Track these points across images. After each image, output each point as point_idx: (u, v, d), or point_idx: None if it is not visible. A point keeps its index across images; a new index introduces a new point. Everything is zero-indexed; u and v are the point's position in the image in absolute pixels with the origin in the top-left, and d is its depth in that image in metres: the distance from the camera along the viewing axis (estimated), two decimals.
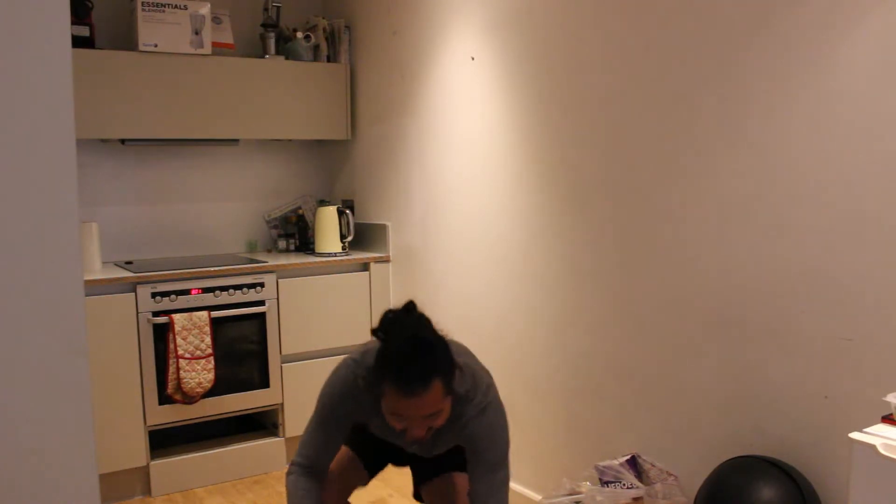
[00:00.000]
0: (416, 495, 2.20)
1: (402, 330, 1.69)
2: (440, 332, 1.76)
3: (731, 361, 2.14)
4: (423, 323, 1.74)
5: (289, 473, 1.92)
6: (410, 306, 1.76)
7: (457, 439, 1.89)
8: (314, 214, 3.87)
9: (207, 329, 3.25)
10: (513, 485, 2.96)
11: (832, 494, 1.89)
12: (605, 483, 2.28)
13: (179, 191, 3.81)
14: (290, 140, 4.00)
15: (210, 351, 3.26)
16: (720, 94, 2.11)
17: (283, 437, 3.53)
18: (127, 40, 3.47)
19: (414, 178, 3.49)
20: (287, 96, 3.70)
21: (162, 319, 3.19)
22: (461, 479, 2.07)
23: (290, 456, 3.55)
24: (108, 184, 3.62)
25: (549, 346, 2.77)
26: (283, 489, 3.31)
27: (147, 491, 3.26)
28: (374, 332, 1.71)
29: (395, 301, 3.73)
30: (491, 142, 2.98)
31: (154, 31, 3.36)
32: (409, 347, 1.65)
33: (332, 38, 3.89)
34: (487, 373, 1.97)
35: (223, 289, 3.34)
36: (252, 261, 3.53)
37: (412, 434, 1.71)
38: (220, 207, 3.92)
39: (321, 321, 3.58)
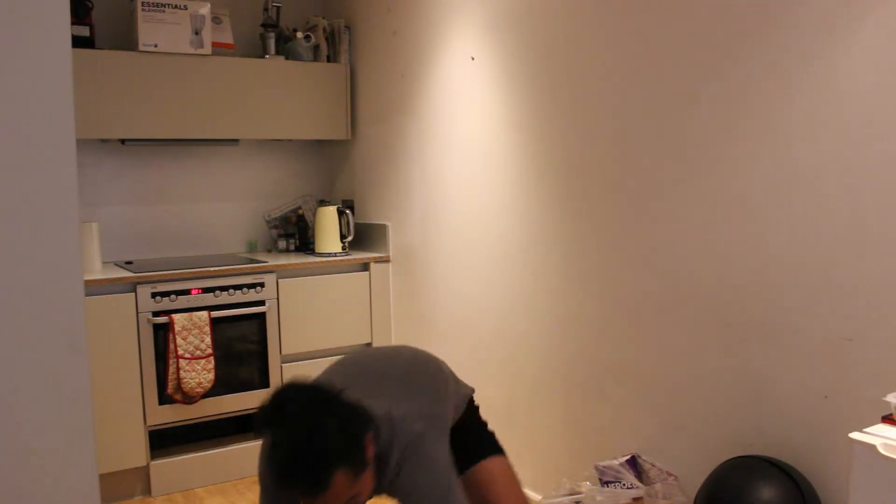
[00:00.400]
0: None
1: (282, 433, 1.49)
2: (333, 394, 1.55)
3: (731, 361, 2.13)
4: (304, 413, 1.50)
5: None
6: (284, 396, 1.53)
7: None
8: (314, 214, 3.87)
9: (207, 329, 3.25)
10: None
11: (832, 494, 1.88)
12: (605, 483, 2.28)
13: (179, 191, 3.81)
14: (290, 140, 4.00)
15: (210, 351, 3.26)
16: (720, 94, 2.11)
17: None
18: (127, 40, 3.47)
19: (414, 178, 3.49)
20: (287, 96, 3.70)
21: (162, 319, 3.19)
22: (495, 465, 2.00)
23: None
24: (108, 184, 3.62)
25: (549, 346, 2.77)
26: None
27: (147, 491, 3.26)
28: (258, 431, 1.53)
29: (396, 301, 3.73)
30: (491, 142, 2.98)
31: (154, 31, 3.36)
32: (294, 454, 1.46)
33: (332, 38, 3.89)
34: (424, 414, 1.75)
35: (223, 289, 3.34)
36: (252, 261, 3.53)
37: None
38: (220, 207, 3.92)
39: (321, 321, 3.58)
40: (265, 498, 1.78)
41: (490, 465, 2.01)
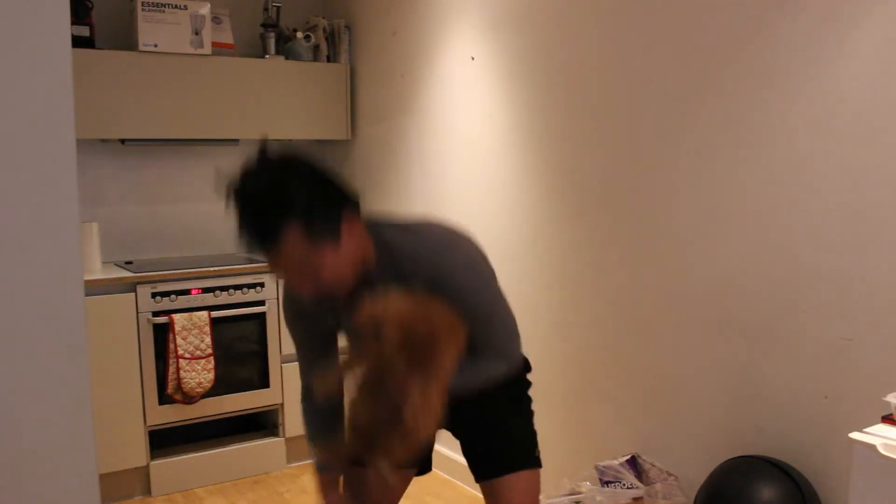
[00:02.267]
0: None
1: (249, 178, 1.48)
2: (320, 165, 1.50)
3: (731, 361, 2.13)
4: (278, 162, 1.47)
5: (303, 397, 1.82)
6: (269, 151, 1.48)
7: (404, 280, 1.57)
8: None
9: (207, 329, 3.25)
10: None
11: (832, 494, 1.88)
12: (605, 483, 2.28)
13: (180, 191, 3.81)
14: (290, 140, 3.99)
15: (210, 351, 3.26)
16: (720, 94, 2.11)
17: (283, 437, 3.53)
18: (127, 40, 3.47)
19: (414, 178, 3.49)
20: (287, 96, 3.70)
21: (162, 319, 3.19)
22: (518, 486, 1.87)
23: (290, 456, 3.56)
24: (108, 184, 3.62)
25: (550, 346, 2.77)
26: (283, 489, 3.31)
27: (147, 491, 3.26)
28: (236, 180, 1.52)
29: None
30: (491, 142, 2.98)
31: (154, 31, 3.36)
32: (251, 197, 1.46)
33: (332, 38, 3.88)
34: (468, 265, 1.61)
35: (223, 289, 3.34)
36: (252, 261, 3.53)
37: (299, 290, 1.56)
38: (220, 207, 3.89)
39: None
40: (293, 330, 1.79)
41: (511, 484, 1.86)
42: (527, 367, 1.91)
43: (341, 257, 1.51)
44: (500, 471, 1.86)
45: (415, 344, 1.44)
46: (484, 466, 1.89)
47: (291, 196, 1.44)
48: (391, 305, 1.45)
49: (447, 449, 3.38)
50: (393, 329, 1.43)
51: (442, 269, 1.59)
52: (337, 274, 1.52)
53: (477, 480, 1.92)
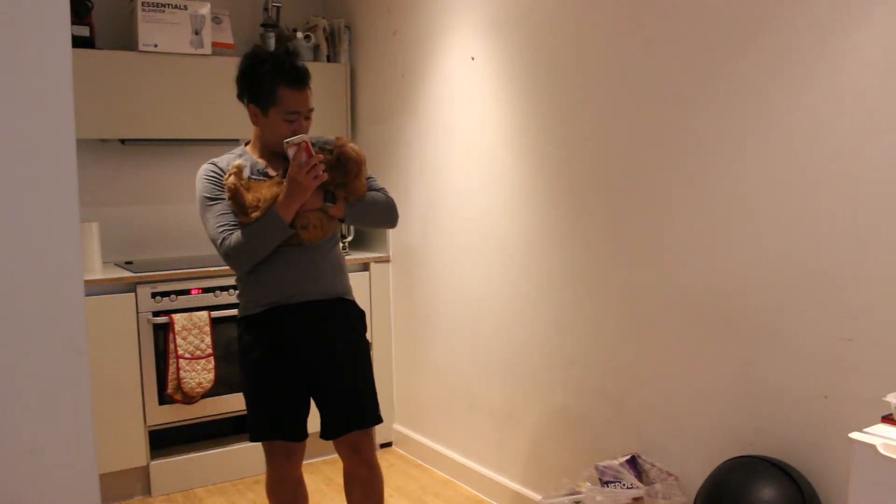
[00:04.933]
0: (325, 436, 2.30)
1: (287, 52, 2.27)
2: None
3: (731, 361, 2.14)
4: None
5: (225, 241, 2.26)
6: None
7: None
8: None
9: (207, 329, 3.25)
10: (513, 484, 2.96)
11: (832, 494, 1.89)
12: (605, 483, 2.28)
13: (179, 191, 3.81)
14: None
15: (210, 351, 3.26)
16: (720, 94, 2.11)
17: None
18: (127, 40, 3.47)
19: (414, 178, 3.49)
20: None
21: (162, 319, 3.19)
22: (364, 451, 2.25)
23: None
24: (108, 184, 3.62)
25: (549, 346, 2.77)
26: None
27: (147, 491, 3.26)
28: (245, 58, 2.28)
29: (396, 301, 3.73)
30: (491, 142, 2.98)
31: (154, 31, 3.36)
32: (288, 54, 2.19)
33: (332, 38, 3.88)
34: None
35: (223, 289, 3.34)
36: None
37: (299, 129, 2.17)
38: None
39: None
40: (214, 191, 2.34)
41: (359, 454, 2.25)
42: None
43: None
44: (364, 422, 2.24)
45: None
46: (351, 417, 2.23)
47: None
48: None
49: (447, 449, 3.38)
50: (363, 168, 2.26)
51: None
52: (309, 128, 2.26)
53: (343, 432, 2.24)
